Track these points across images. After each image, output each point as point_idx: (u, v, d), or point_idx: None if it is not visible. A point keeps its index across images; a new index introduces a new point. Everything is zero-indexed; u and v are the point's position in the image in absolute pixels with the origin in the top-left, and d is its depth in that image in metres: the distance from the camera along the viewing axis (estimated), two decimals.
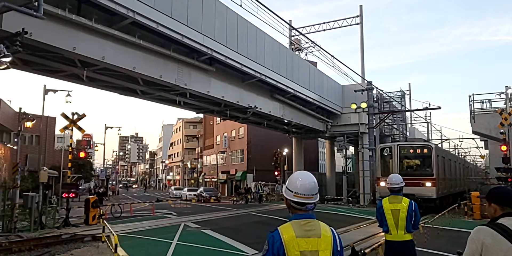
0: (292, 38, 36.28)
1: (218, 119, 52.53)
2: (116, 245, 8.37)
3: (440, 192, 19.01)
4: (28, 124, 19.48)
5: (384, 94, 35.01)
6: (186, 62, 17.29)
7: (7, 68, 10.08)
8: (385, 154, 20.39)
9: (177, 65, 17.17)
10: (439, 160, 19.83)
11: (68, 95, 24.64)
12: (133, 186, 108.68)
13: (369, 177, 27.55)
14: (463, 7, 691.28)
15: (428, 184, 18.26)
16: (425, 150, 19.37)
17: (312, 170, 38.05)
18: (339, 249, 2.32)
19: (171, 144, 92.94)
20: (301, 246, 2.25)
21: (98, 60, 14.03)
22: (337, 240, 2.33)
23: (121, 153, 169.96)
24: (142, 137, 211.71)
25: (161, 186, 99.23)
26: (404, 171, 19.02)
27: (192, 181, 64.07)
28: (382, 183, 18.75)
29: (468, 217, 16.66)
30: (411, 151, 19.91)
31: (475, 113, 23.14)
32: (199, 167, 64.44)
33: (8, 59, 9.77)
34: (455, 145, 47.11)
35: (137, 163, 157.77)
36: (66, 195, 16.89)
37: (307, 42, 34.37)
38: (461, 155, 44.20)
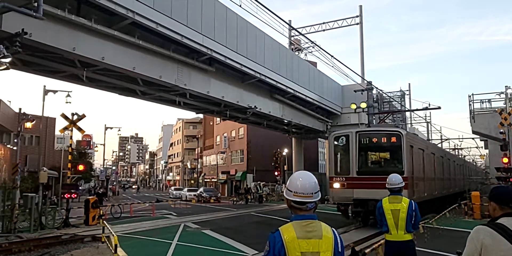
0: (292, 38, 36.29)
1: (218, 119, 52.55)
2: (116, 245, 8.37)
3: (416, 197, 14.26)
4: (28, 124, 19.50)
5: (384, 94, 35.01)
6: (186, 63, 17.29)
7: (7, 68, 10.10)
8: (341, 144, 15.32)
9: (177, 65, 17.17)
10: (414, 152, 15.21)
11: (68, 95, 24.65)
12: (133, 187, 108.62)
13: None
14: (463, 7, 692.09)
15: None
16: (393, 139, 14.40)
17: (312, 170, 37.94)
18: (340, 250, 2.32)
19: (171, 144, 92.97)
20: (302, 247, 2.25)
21: (97, 61, 14.03)
22: (338, 241, 2.33)
23: (121, 154, 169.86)
24: (142, 138, 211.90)
25: (161, 187, 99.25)
26: (365, 167, 14.92)
27: (192, 182, 64.07)
28: (336, 185, 14.64)
29: (468, 217, 16.65)
30: (375, 140, 14.85)
31: (475, 113, 23.18)
32: (199, 167, 64.45)
33: (8, 60, 9.78)
34: (455, 145, 47.19)
35: (137, 164, 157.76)
36: (68, 195, 16.89)
37: (306, 42, 34.38)
38: (461, 155, 44.23)
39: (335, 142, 15.60)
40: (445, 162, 21.68)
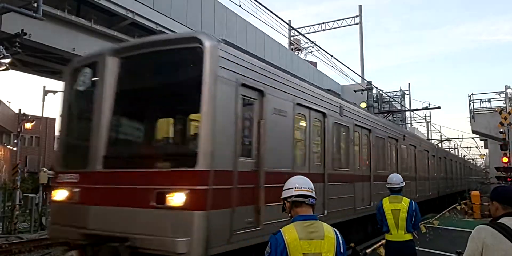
0: (292, 38, 36.31)
1: None
2: None
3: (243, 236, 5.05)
4: (28, 125, 19.49)
5: (384, 94, 34.99)
6: None
7: (7, 69, 10.11)
8: (81, 88, 6.16)
9: None
10: (271, 109, 5.93)
11: None
12: None
13: None
14: (463, 7, 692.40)
15: (178, 198, 4.35)
16: (189, 62, 5.46)
17: None
18: (342, 250, 2.31)
19: None
20: (304, 248, 2.24)
21: None
22: (340, 241, 2.32)
23: None
24: None
25: None
26: (124, 146, 5.88)
27: None
28: (60, 194, 5.76)
29: (468, 217, 16.65)
30: (150, 72, 5.72)
31: (475, 112, 23.18)
32: None
33: (8, 60, 9.80)
34: (455, 144, 47.19)
35: None
36: None
37: (306, 42, 34.38)
38: (461, 155, 44.21)
39: (72, 84, 6.38)
40: (404, 150, 13.54)
